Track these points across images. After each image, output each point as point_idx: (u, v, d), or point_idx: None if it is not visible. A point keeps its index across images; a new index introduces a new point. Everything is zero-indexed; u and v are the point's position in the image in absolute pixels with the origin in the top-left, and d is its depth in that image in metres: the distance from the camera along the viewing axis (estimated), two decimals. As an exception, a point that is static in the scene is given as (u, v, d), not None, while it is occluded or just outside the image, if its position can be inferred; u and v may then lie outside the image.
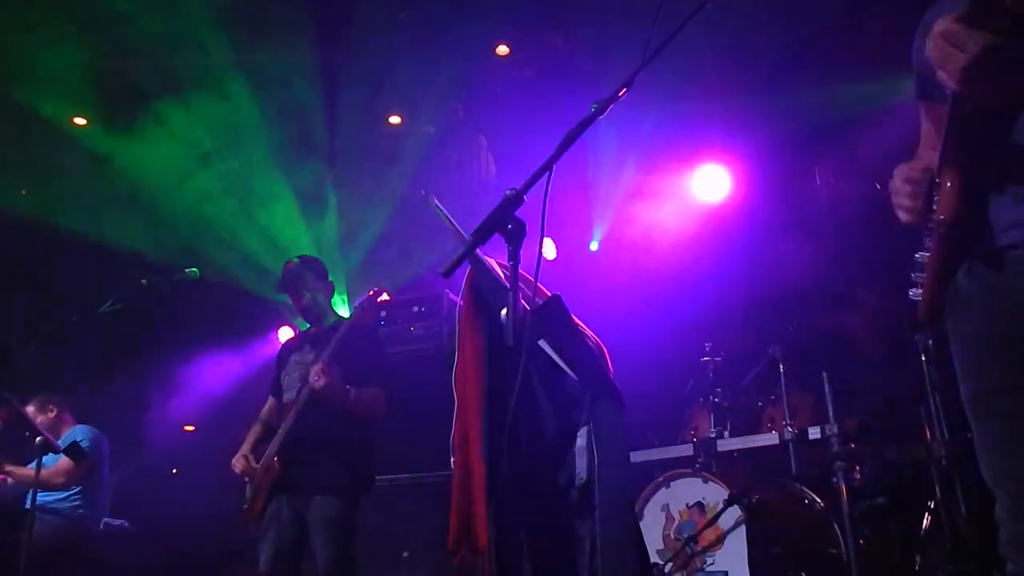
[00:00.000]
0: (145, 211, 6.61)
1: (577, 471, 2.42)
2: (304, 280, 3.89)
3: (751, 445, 4.52)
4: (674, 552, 4.12)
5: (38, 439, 4.01)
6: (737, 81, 5.70)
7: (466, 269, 2.57)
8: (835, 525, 3.81)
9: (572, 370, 2.52)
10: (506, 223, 1.77)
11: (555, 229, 5.94)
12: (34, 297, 6.39)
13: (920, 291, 1.62)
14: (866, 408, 4.35)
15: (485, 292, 2.52)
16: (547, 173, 1.81)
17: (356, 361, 3.66)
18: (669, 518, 4.29)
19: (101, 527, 4.91)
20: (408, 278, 6.37)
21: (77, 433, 4.81)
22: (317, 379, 3.50)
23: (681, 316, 5.51)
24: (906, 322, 3.78)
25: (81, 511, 4.69)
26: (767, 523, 3.97)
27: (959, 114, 1.42)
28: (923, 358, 3.73)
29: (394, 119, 6.82)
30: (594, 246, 6.47)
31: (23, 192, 6.68)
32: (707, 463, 4.56)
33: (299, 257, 4.04)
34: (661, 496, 4.35)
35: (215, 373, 6.90)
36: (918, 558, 3.71)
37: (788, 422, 4.30)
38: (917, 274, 1.63)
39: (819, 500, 3.97)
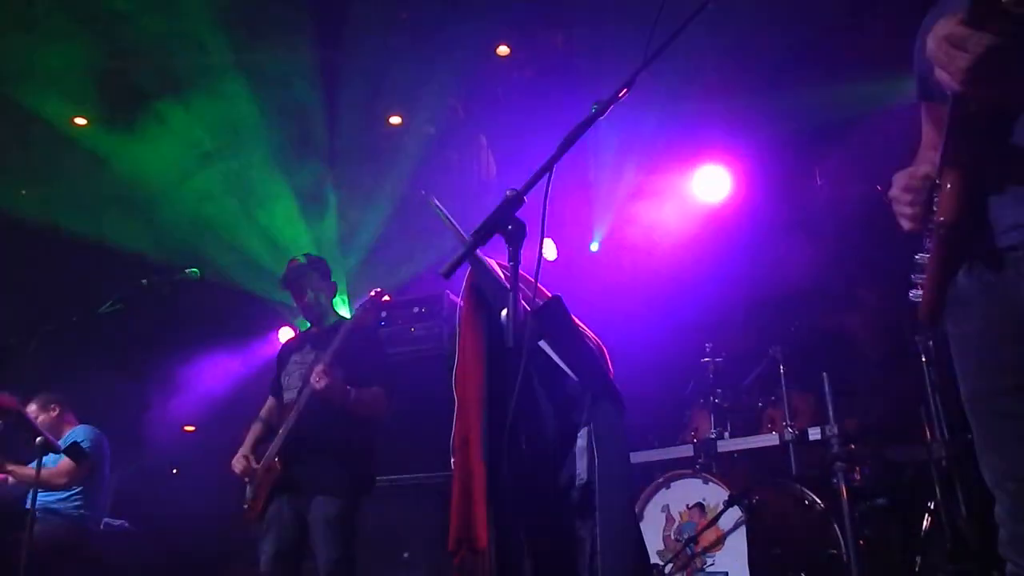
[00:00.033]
0: (145, 211, 6.61)
1: (577, 472, 2.42)
2: (308, 279, 3.90)
3: (751, 446, 4.52)
4: (674, 553, 4.12)
5: (38, 439, 4.01)
6: (738, 81, 5.70)
7: (466, 270, 2.57)
8: (835, 526, 3.81)
9: (572, 371, 2.52)
10: (506, 224, 1.77)
11: (555, 230, 5.94)
12: (34, 297, 6.39)
13: (920, 292, 1.62)
14: (866, 408, 4.35)
15: (485, 293, 2.52)
16: (548, 174, 1.81)
17: (357, 362, 3.67)
18: (669, 519, 4.29)
19: (101, 527, 4.91)
20: (408, 278, 6.37)
21: (78, 433, 4.81)
22: (318, 380, 3.50)
23: (681, 317, 5.51)
24: (906, 322, 3.78)
25: (82, 511, 4.69)
26: (767, 524, 3.97)
27: (960, 115, 1.42)
28: (923, 359, 3.73)
29: (394, 119, 6.82)
30: (594, 247, 6.47)
31: (23, 192, 6.68)
32: (707, 464, 4.56)
33: (305, 255, 4.05)
34: (661, 497, 4.35)
35: (215, 373, 6.90)
36: (918, 558, 3.71)
37: (788, 423, 4.30)
38: (917, 275, 1.63)
39: (819, 501, 3.97)
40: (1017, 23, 1.25)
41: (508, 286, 1.81)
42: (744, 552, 3.93)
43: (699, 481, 4.28)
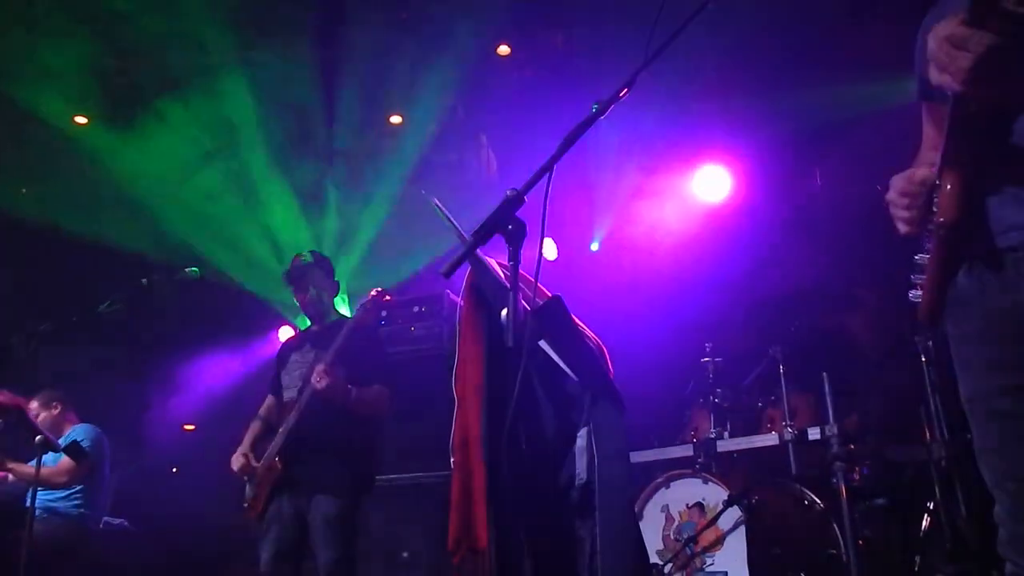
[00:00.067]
0: (145, 211, 6.60)
1: (577, 472, 2.42)
2: (312, 276, 3.90)
3: (751, 446, 4.52)
4: (674, 553, 4.12)
5: (38, 438, 4.01)
6: (738, 81, 5.70)
7: (466, 269, 2.57)
8: (835, 526, 3.81)
9: (572, 371, 2.52)
10: (506, 223, 1.77)
11: (556, 229, 5.94)
12: (34, 297, 6.39)
13: (920, 293, 1.62)
14: (866, 409, 4.35)
15: (485, 292, 2.52)
16: (548, 173, 1.81)
17: (358, 361, 3.67)
18: (669, 519, 4.29)
19: (101, 526, 4.91)
20: (408, 278, 6.37)
21: (78, 432, 4.81)
22: (320, 379, 3.50)
23: (681, 316, 5.51)
24: (906, 323, 3.78)
25: (82, 510, 4.69)
26: (767, 524, 3.97)
27: (961, 115, 1.42)
28: (923, 359, 3.73)
29: (394, 119, 6.82)
30: (595, 246, 6.47)
31: (23, 191, 6.68)
32: (707, 464, 4.56)
33: (311, 252, 4.04)
34: (661, 497, 4.35)
35: (215, 373, 6.90)
36: (918, 558, 3.71)
37: (788, 423, 4.30)
38: (917, 276, 1.62)
39: (819, 501, 3.97)
40: (1018, 23, 1.25)
41: (508, 286, 1.81)
42: (743, 552, 3.93)
43: (699, 481, 4.28)
